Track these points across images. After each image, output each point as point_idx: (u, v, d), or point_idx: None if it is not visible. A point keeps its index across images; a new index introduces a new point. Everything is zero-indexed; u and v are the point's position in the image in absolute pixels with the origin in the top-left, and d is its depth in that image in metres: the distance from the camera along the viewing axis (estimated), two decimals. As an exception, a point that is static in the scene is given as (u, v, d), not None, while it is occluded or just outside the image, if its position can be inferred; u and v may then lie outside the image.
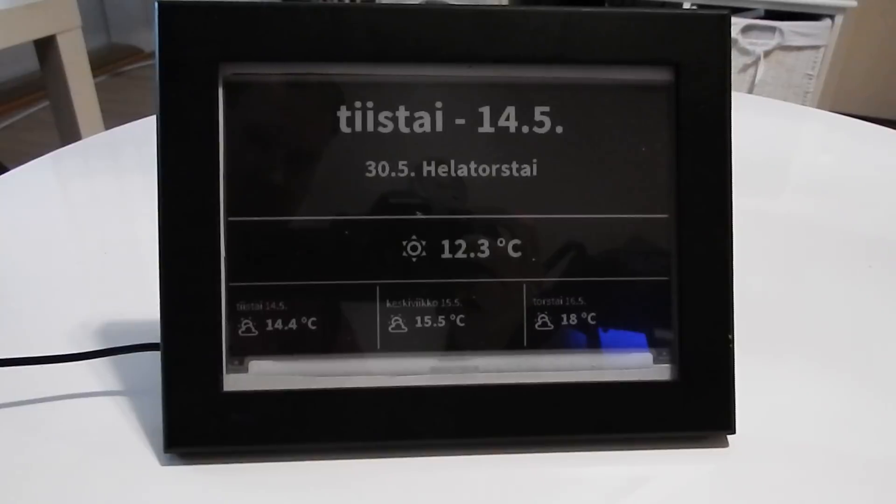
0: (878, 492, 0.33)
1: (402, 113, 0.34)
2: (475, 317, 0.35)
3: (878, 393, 0.39)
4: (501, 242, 0.35)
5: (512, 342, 0.35)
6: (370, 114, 0.34)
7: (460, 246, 0.35)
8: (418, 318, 0.35)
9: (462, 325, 0.35)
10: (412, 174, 0.34)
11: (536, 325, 0.35)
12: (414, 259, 0.34)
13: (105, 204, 0.60)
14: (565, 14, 0.34)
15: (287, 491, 0.32)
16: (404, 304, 0.35)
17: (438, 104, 0.34)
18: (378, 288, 0.34)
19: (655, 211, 0.35)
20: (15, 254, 0.51)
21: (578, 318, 0.35)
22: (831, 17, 1.99)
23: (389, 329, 0.35)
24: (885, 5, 2.47)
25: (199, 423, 0.33)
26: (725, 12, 0.35)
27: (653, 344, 0.35)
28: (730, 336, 0.35)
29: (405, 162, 0.34)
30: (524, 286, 0.35)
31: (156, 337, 0.33)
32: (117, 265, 0.50)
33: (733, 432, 0.35)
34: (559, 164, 0.35)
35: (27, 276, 0.48)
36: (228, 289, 0.34)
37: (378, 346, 0.35)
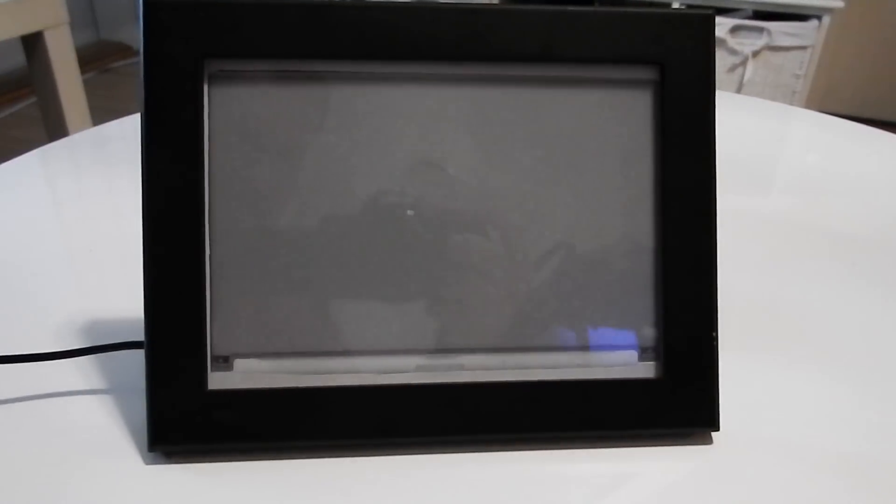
0: (860, 488, 0.34)
1: (388, 110, 0.34)
2: (461, 315, 0.35)
3: (861, 390, 0.40)
4: (488, 240, 0.35)
5: (498, 340, 0.35)
6: (357, 110, 0.34)
7: (448, 244, 0.35)
8: (405, 317, 0.35)
9: (448, 323, 0.35)
10: (399, 172, 0.34)
11: (522, 324, 0.35)
12: (401, 257, 0.34)
13: (92, 201, 0.60)
14: (552, 12, 0.34)
15: (273, 489, 0.32)
16: (391, 302, 0.35)
17: (425, 101, 0.34)
18: (365, 286, 0.34)
19: (640, 209, 0.35)
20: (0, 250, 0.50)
21: (564, 316, 0.35)
22: (818, 17, 2.01)
23: (376, 327, 0.35)
24: (871, 6, 2.49)
25: (183, 421, 0.33)
26: (710, 12, 0.35)
27: (638, 342, 0.36)
28: (714, 334, 0.35)
29: (391, 160, 0.34)
30: (510, 284, 0.35)
31: (141, 335, 0.33)
32: (103, 262, 0.50)
33: (717, 429, 0.35)
34: (545, 163, 0.35)
35: (12, 272, 0.48)
36: (213, 286, 0.33)
37: (364, 345, 0.35)
